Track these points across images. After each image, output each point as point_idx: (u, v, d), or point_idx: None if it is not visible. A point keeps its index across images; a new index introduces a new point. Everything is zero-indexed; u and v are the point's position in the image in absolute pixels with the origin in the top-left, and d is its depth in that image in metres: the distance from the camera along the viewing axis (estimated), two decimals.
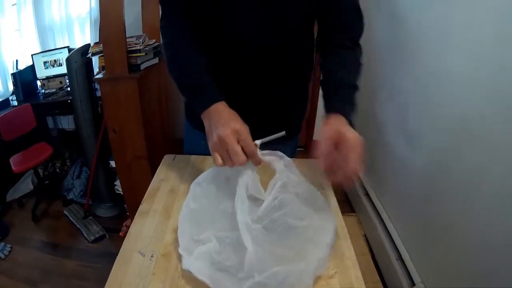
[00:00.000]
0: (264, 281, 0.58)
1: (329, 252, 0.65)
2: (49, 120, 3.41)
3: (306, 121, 3.31)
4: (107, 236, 2.43)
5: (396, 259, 1.76)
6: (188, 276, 0.65)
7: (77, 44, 3.03)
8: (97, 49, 2.00)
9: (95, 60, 2.33)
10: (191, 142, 1.19)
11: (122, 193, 2.36)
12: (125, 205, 2.54)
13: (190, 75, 0.87)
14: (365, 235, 2.18)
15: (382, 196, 2.09)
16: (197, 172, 0.86)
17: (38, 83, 3.09)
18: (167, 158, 1.11)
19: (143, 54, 1.96)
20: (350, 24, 0.91)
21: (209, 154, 0.75)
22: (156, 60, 2.14)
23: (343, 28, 0.91)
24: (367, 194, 2.19)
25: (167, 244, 0.76)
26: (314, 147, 0.72)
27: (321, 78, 0.92)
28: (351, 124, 0.75)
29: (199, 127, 0.81)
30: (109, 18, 1.78)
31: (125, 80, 1.89)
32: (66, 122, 3.41)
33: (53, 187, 2.93)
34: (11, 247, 2.32)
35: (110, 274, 0.68)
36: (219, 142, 0.71)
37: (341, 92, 0.84)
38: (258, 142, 0.73)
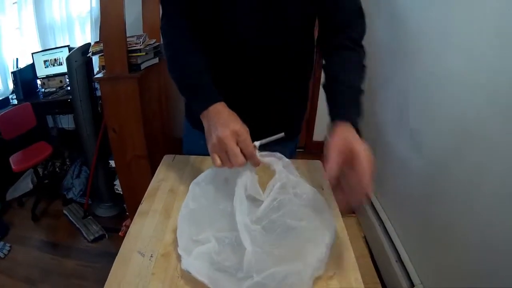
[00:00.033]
0: (263, 281, 0.58)
1: (328, 253, 0.65)
2: (49, 119, 3.42)
3: (306, 122, 3.31)
4: (106, 235, 2.43)
5: (396, 261, 1.76)
6: (187, 276, 0.65)
7: (78, 43, 3.04)
8: (97, 49, 1.99)
9: (95, 60, 2.33)
10: (190, 142, 1.19)
11: (121, 192, 2.36)
12: (124, 205, 2.53)
13: (190, 75, 0.87)
14: (364, 236, 2.18)
15: (382, 196, 2.09)
16: (197, 172, 0.86)
17: (38, 82, 3.10)
18: (166, 158, 1.11)
19: (144, 53, 1.96)
20: (351, 24, 0.90)
21: (209, 154, 0.75)
22: (156, 60, 2.14)
23: (344, 28, 0.89)
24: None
25: (167, 244, 0.76)
26: (324, 163, 0.69)
27: (324, 81, 0.90)
28: (358, 132, 0.73)
29: (199, 126, 0.81)
30: (109, 17, 1.78)
31: (125, 79, 1.89)
32: (66, 121, 3.42)
33: (52, 187, 2.94)
34: (10, 246, 2.32)
35: (110, 274, 0.68)
36: (218, 143, 0.71)
37: (347, 96, 0.82)
38: (257, 143, 0.73)
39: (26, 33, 3.12)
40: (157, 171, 1.04)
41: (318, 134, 3.41)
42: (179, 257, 0.69)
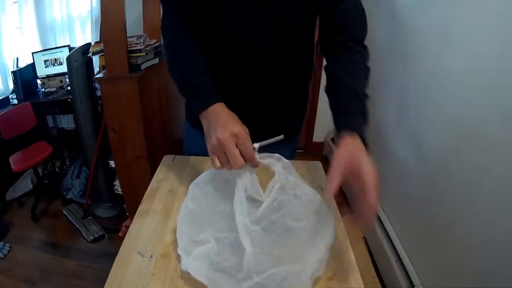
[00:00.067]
0: (262, 282, 0.58)
1: (328, 253, 0.65)
2: (49, 119, 3.42)
3: (306, 122, 3.31)
4: (106, 236, 2.42)
5: (396, 261, 1.76)
6: (187, 276, 0.65)
7: (78, 43, 3.04)
8: (97, 49, 1.99)
9: (96, 60, 2.33)
10: (191, 142, 1.19)
11: (121, 193, 2.36)
12: (124, 205, 2.53)
13: (190, 75, 0.86)
14: (364, 237, 2.18)
15: (382, 196, 2.09)
16: (197, 173, 0.86)
17: (38, 81, 3.10)
18: (166, 158, 1.11)
19: (144, 54, 1.96)
20: (353, 24, 0.89)
21: (208, 155, 0.75)
22: (156, 60, 2.14)
23: (345, 28, 0.88)
24: None
25: (167, 245, 0.76)
26: (327, 177, 0.67)
27: (327, 85, 0.89)
28: (364, 141, 0.72)
29: (199, 126, 0.81)
30: (110, 17, 1.78)
31: (126, 79, 1.89)
32: (66, 121, 3.42)
33: (52, 187, 2.93)
34: (10, 247, 2.32)
35: (110, 274, 0.68)
36: (218, 145, 0.71)
37: (351, 104, 0.80)
38: (256, 145, 0.73)
39: (26, 33, 3.12)
40: (157, 171, 1.04)
41: (318, 135, 3.41)
42: (178, 258, 0.69)
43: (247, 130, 0.73)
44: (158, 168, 1.06)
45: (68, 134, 3.35)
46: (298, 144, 1.25)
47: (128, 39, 1.88)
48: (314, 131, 3.41)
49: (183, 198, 0.77)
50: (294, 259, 0.63)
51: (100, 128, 2.38)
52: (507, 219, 1.08)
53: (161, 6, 0.96)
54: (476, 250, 1.23)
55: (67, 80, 2.93)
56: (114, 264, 0.71)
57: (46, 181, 2.97)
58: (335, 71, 0.87)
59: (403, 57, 1.80)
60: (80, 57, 2.25)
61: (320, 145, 3.43)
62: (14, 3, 3.01)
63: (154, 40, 2.17)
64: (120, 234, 2.38)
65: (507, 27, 1.08)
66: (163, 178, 1.01)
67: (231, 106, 0.80)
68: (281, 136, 0.75)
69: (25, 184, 2.93)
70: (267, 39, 0.91)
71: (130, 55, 1.90)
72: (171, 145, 2.54)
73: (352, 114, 0.79)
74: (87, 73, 2.31)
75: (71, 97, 2.43)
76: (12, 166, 2.46)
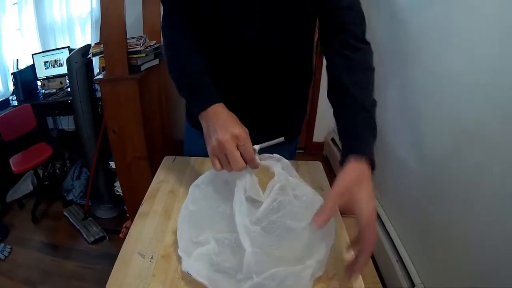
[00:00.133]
0: (262, 282, 0.58)
1: (328, 253, 0.65)
2: (49, 121, 3.41)
3: (306, 123, 3.31)
4: (107, 237, 2.42)
5: (396, 260, 1.76)
6: (188, 277, 0.65)
7: (78, 44, 3.04)
8: (97, 50, 2.00)
9: (96, 61, 2.33)
10: (191, 142, 1.19)
11: (122, 194, 2.36)
12: (125, 206, 2.53)
13: (190, 75, 0.86)
14: None
15: (382, 196, 2.09)
16: (197, 174, 0.86)
17: (39, 83, 3.10)
18: (167, 159, 1.11)
19: (144, 55, 1.96)
20: (353, 21, 0.86)
21: (208, 155, 0.75)
22: (156, 61, 2.14)
23: (346, 26, 0.85)
24: None
25: (167, 246, 0.76)
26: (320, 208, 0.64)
27: (329, 90, 0.86)
28: (373, 163, 0.69)
29: (199, 126, 0.81)
30: (110, 18, 1.78)
31: (126, 81, 1.89)
32: (66, 123, 3.41)
33: (53, 188, 2.93)
34: (11, 248, 2.32)
35: (110, 276, 0.68)
36: (218, 147, 0.70)
37: (359, 121, 0.76)
38: (256, 147, 0.73)
39: (26, 34, 3.12)
40: (157, 172, 1.04)
41: (318, 135, 3.41)
42: (179, 259, 0.69)
43: (247, 131, 0.73)
44: (158, 169, 1.06)
45: (68, 135, 3.35)
46: (298, 145, 1.25)
47: (128, 40, 1.88)
48: (314, 131, 3.41)
49: (184, 199, 0.77)
50: (294, 259, 0.63)
51: (100, 129, 2.39)
52: (507, 219, 1.08)
53: (161, 7, 0.96)
54: (476, 250, 1.23)
55: (67, 81, 2.93)
56: (114, 265, 0.71)
57: (46, 182, 2.97)
58: (336, 72, 0.84)
59: (403, 57, 1.80)
60: (80, 58, 2.25)
61: (320, 145, 3.43)
62: (14, 4, 3.01)
63: (154, 41, 2.17)
64: (120, 235, 2.38)
65: (507, 27, 1.08)
66: (164, 179, 1.01)
67: (231, 106, 0.79)
68: (282, 138, 0.75)
69: (26, 186, 2.93)
70: (267, 39, 0.91)
71: (130, 56, 1.91)
72: (171, 146, 2.54)
73: (359, 136, 0.74)
74: (87, 74, 2.31)
75: (71, 98, 2.43)
76: (13, 168, 2.46)
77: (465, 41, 1.29)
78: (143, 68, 1.98)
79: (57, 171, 3.11)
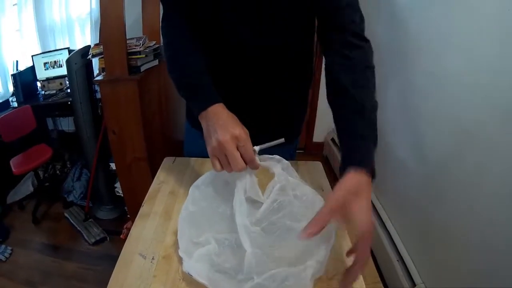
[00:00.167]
0: (263, 283, 0.58)
1: (329, 254, 0.65)
2: (49, 122, 3.42)
3: (306, 123, 3.31)
4: (107, 238, 2.42)
5: (397, 260, 1.76)
6: (188, 278, 0.65)
7: (77, 45, 3.05)
8: (97, 51, 2.00)
9: (95, 62, 2.34)
10: (191, 142, 1.19)
11: (122, 195, 2.36)
12: (125, 207, 2.53)
13: (190, 75, 0.86)
14: None
15: (382, 196, 2.10)
16: (197, 174, 0.86)
17: (38, 84, 3.10)
18: (167, 160, 1.11)
19: (143, 56, 1.96)
20: (352, 19, 0.84)
21: (208, 155, 0.75)
22: (156, 62, 2.14)
23: (345, 24, 0.84)
24: None
25: (168, 246, 0.76)
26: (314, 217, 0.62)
27: (328, 91, 0.84)
28: (373, 172, 0.68)
29: (198, 126, 0.81)
30: (109, 19, 1.78)
31: (125, 81, 1.89)
32: (66, 124, 3.41)
33: (53, 189, 2.93)
34: (11, 249, 2.32)
35: (111, 277, 0.68)
36: (218, 147, 0.70)
37: (359, 128, 0.73)
38: (257, 148, 0.73)
39: (26, 35, 3.12)
40: (157, 173, 1.04)
41: (318, 135, 3.41)
42: (180, 259, 0.69)
43: (247, 131, 0.73)
44: (158, 170, 1.06)
45: (68, 136, 3.35)
46: (298, 145, 1.25)
47: (128, 41, 1.88)
48: (314, 131, 3.41)
49: (184, 200, 0.77)
50: (295, 259, 0.63)
51: (100, 130, 2.39)
52: (507, 219, 1.08)
53: (160, 7, 0.96)
54: (476, 250, 1.23)
55: (67, 82, 2.93)
56: (115, 266, 0.71)
57: (46, 183, 2.97)
58: (335, 73, 0.82)
59: (403, 57, 1.80)
60: (80, 59, 2.25)
61: (320, 145, 3.43)
62: (13, 5, 3.01)
63: (154, 42, 2.17)
64: (121, 236, 2.38)
65: (507, 27, 1.08)
66: (164, 180, 1.01)
67: (231, 106, 0.79)
68: (282, 139, 0.75)
69: (26, 187, 2.93)
70: (267, 39, 0.91)
71: (130, 57, 1.91)
72: (171, 146, 2.55)
73: (359, 145, 0.72)
74: (86, 75, 2.31)
75: (71, 99, 2.43)
76: (13, 169, 2.47)
77: (465, 41, 1.29)
78: (142, 68, 1.98)
79: (58, 172, 3.11)
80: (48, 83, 3.04)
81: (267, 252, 0.62)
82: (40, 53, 3.03)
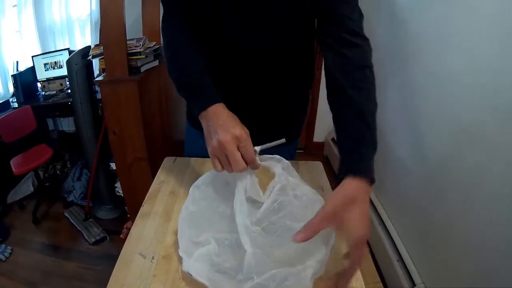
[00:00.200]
0: (263, 283, 0.58)
1: (329, 253, 0.65)
2: (49, 122, 3.42)
3: (306, 123, 3.31)
4: (107, 238, 2.43)
5: (397, 260, 1.76)
6: (188, 278, 0.65)
7: (78, 46, 3.05)
8: (97, 51, 2.00)
9: (96, 62, 2.34)
10: (191, 142, 1.19)
11: (122, 195, 2.36)
12: (125, 207, 2.54)
13: (190, 75, 0.86)
14: None
15: (382, 196, 2.10)
16: (197, 174, 0.86)
17: (39, 85, 3.10)
18: (167, 160, 1.11)
19: (143, 56, 1.96)
20: (349, 15, 0.83)
21: (208, 155, 0.75)
22: (156, 63, 2.15)
23: (343, 21, 0.82)
24: None
25: (168, 246, 0.76)
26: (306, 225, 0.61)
27: (328, 92, 0.83)
28: (371, 180, 0.67)
29: (199, 126, 0.81)
30: (109, 20, 1.78)
31: (125, 82, 1.89)
32: (67, 124, 3.42)
33: (53, 189, 2.94)
34: (11, 249, 2.32)
35: (111, 276, 0.68)
36: (219, 148, 0.70)
37: (358, 133, 0.72)
38: (257, 148, 0.73)
39: (26, 36, 3.12)
40: (158, 173, 1.05)
41: (318, 135, 3.41)
42: (180, 259, 0.69)
43: (247, 132, 0.73)
44: (159, 170, 1.06)
45: (68, 136, 3.35)
46: (298, 145, 1.25)
47: (128, 42, 1.89)
48: (314, 131, 3.41)
49: (184, 199, 0.77)
50: (295, 259, 0.63)
51: (101, 131, 2.39)
52: (507, 219, 1.08)
53: (160, 8, 0.96)
54: (476, 250, 1.23)
55: (67, 83, 2.93)
56: (115, 266, 0.71)
57: (47, 183, 2.97)
58: (333, 73, 0.81)
59: (403, 57, 1.80)
60: (80, 60, 2.26)
61: (320, 145, 3.43)
62: (13, 6, 3.01)
63: (154, 43, 2.18)
64: (121, 236, 2.38)
65: (507, 27, 1.08)
66: (164, 180, 1.01)
67: (231, 107, 0.79)
68: (283, 140, 0.75)
69: (26, 187, 2.93)
70: (267, 39, 0.91)
71: (130, 57, 1.91)
72: (171, 146, 2.55)
73: (358, 151, 0.70)
74: (87, 76, 2.31)
75: (71, 100, 2.43)
76: (13, 169, 2.47)
77: (465, 41, 1.29)
78: (143, 69, 1.98)
79: (58, 172, 3.11)
80: (49, 83, 3.04)
81: (267, 252, 0.62)
82: (40, 54, 3.03)
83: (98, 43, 2.42)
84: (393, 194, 1.96)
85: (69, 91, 2.75)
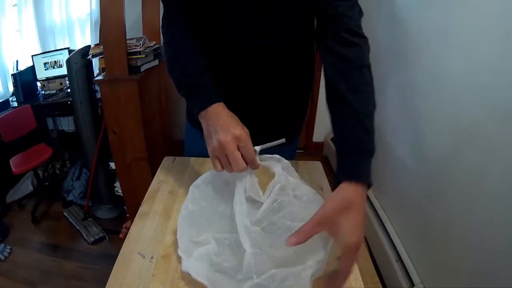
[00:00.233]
0: (262, 283, 0.58)
1: (328, 254, 0.65)
2: (49, 121, 3.41)
3: (306, 122, 3.31)
4: (107, 237, 2.42)
5: (396, 260, 1.76)
6: (187, 277, 0.65)
7: (78, 45, 3.05)
8: (97, 51, 2.00)
9: (95, 62, 2.34)
10: (191, 142, 1.19)
11: (122, 194, 2.36)
12: (125, 207, 2.53)
13: (190, 75, 0.86)
14: (364, 236, 2.18)
15: (382, 196, 2.09)
16: (197, 174, 0.86)
17: (38, 84, 3.10)
18: (167, 160, 1.11)
19: (143, 56, 1.96)
20: (348, 13, 0.82)
21: (208, 155, 0.75)
22: (156, 62, 2.14)
23: (341, 19, 0.81)
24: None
25: (167, 246, 0.76)
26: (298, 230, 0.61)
27: (326, 94, 0.82)
28: (368, 184, 0.66)
29: (199, 126, 0.81)
30: (109, 19, 1.78)
31: (125, 81, 1.89)
32: (66, 124, 3.41)
33: (53, 189, 2.94)
34: (11, 249, 2.32)
35: (110, 276, 0.68)
36: (219, 148, 0.70)
37: (356, 138, 0.72)
38: (257, 148, 0.73)
39: (26, 36, 3.12)
40: (157, 173, 1.04)
41: (318, 135, 3.41)
42: (179, 259, 0.69)
43: (247, 131, 0.73)
44: (158, 170, 1.06)
45: (68, 136, 3.35)
46: (298, 145, 1.25)
47: (128, 41, 1.88)
48: (314, 131, 3.41)
49: (184, 199, 0.77)
50: (294, 260, 0.63)
51: (100, 130, 2.39)
52: (507, 219, 1.08)
53: (160, 7, 0.96)
54: (476, 250, 1.23)
55: (67, 82, 2.93)
56: (114, 266, 0.71)
57: (46, 183, 2.97)
58: (331, 77, 0.81)
59: (403, 57, 1.80)
60: (80, 59, 2.26)
61: (320, 145, 3.43)
62: (13, 5, 3.01)
63: (154, 42, 2.18)
64: (120, 235, 2.38)
65: (507, 27, 1.08)
66: (164, 179, 1.01)
67: (231, 106, 0.79)
68: (283, 140, 0.75)
69: (26, 186, 2.94)
70: (267, 39, 0.91)
71: (130, 57, 1.91)
72: (171, 146, 2.55)
73: (355, 156, 0.70)
74: (87, 75, 2.31)
75: (71, 99, 2.43)
76: (13, 169, 2.47)
77: (465, 41, 1.29)
78: (142, 68, 1.98)
79: (57, 171, 3.11)
80: (48, 83, 3.04)
81: (267, 252, 0.62)
82: (40, 53, 3.03)
83: (98, 42, 2.42)
84: (392, 194, 1.96)
85: (68, 90, 2.75)
